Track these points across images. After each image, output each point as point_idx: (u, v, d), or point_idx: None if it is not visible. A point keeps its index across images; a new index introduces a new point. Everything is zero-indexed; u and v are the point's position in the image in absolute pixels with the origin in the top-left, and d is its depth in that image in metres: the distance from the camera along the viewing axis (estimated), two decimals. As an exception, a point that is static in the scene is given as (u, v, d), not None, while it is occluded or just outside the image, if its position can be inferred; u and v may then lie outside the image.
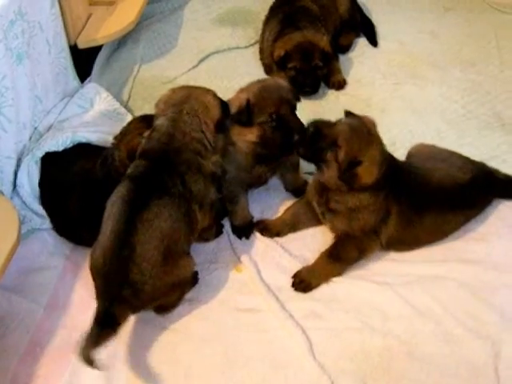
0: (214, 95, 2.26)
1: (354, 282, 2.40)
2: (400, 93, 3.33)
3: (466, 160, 2.55)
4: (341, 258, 2.38)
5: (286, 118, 2.29)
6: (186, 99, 2.20)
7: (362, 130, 2.23)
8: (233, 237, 2.59)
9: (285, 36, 3.17)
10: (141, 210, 2.00)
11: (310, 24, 3.22)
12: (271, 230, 2.57)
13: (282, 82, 2.50)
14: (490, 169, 2.61)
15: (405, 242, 2.43)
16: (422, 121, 3.14)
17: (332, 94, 3.33)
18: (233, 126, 2.34)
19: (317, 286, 2.37)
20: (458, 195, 2.41)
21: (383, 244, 2.38)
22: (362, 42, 3.72)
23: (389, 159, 2.31)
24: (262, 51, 3.50)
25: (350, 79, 3.44)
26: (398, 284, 2.36)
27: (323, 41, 3.16)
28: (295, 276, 2.40)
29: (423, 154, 2.56)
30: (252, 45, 3.70)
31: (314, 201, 2.42)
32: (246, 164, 2.43)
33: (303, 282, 2.38)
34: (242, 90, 2.41)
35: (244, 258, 2.49)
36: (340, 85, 3.30)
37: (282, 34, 3.21)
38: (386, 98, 3.29)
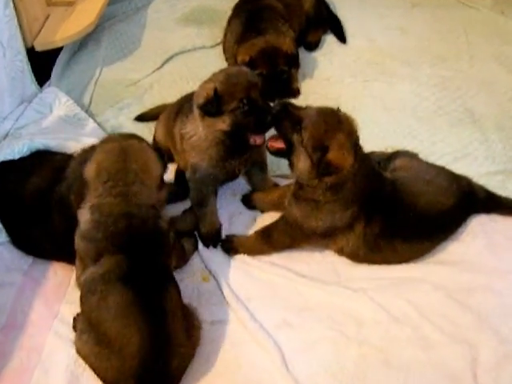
0: (149, 146, 2.08)
1: (326, 288, 2.32)
2: (370, 90, 3.30)
3: (452, 179, 2.44)
4: (271, 239, 2.36)
5: (257, 102, 2.24)
6: (125, 164, 1.94)
7: (331, 116, 2.15)
8: (200, 244, 2.50)
9: (247, 41, 3.13)
10: (158, 307, 1.90)
11: (271, 25, 3.18)
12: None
13: (244, 67, 2.49)
14: (473, 188, 2.51)
15: (364, 260, 2.36)
16: (393, 118, 3.11)
17: (301, 95, 3.27)
18: (202, 119, 2.29)
19: (242, 253, 2.41)
20: (440, 223, 2.34)
21: (335, 251, 2.36)
22: (330, 40, 3.68)
23: (364, 157, 2.22)
24: (225, 51, 3.47)
25: (318, 77, 3.40)
26: (372, 289, 2.30)
27: (286, 44, 3.11)
28: (226, 236, 2.45)
29: (410, 170, 2.44)
30: (218, 44, 3.64)
31: (291, 187, 2.36)
32: (217, 158, 2.37)
33: (231, 243, 2.43)
34: (206, 81, 2.34)
35: (211, 267, 2.41)
36: (294, 93, 3.24)
37: (244, 37, 3.17)
38: (356, 97, 3.25)
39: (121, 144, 2.00)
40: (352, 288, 2.31)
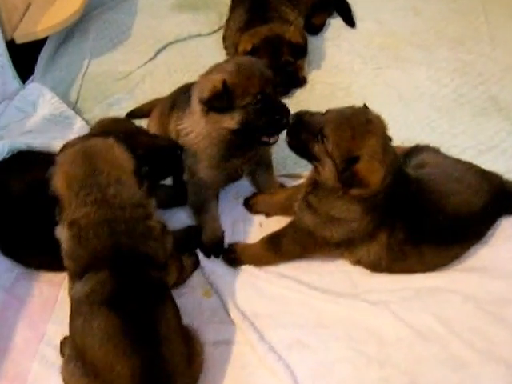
0: (115, 142, 1.86)
1: (341, 302, 2.16)
2: (383, 78, 3.13)
3: (482, 176, 2.25)
4: (280, 248, 2.19)
5: (271, 98, 2.07)
6: (93, 166, 1.76)
7: (357, 117, 1.91)
8: (201, 255, 2.34)
9: (251, 29, 3.00)
10: (152, 333, 1.72)
11: (278, 13, 3.07)
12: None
13: (254, 58, 2.30)
14: (505, 185, 2.32)
15: (386, 269, 2.18)
16: (409, 109, 2.93)
17: (308, 84, 3.12)
18: (205, 114, 2.10)
19: (244, 263, 2.24)
20: (471, 225, 2.16)
21: (352, 262, 2.19)
22: (337, 24, 3.50)
23: (398, 165, 2.00)
24: (225, 39, 3.32)
25: (325, 65, 3.23)
26: (394, 301, 2.13)
27: (290, 31, 2.97)
28: (229, 245, 2.29)
29: (436, 167, 2.25)
30: (216, 31, 3.49)
31: (303, 189, 2.18)
32: (218, 157, 2.21)
33: (234, 253, 2.26)
34: (211, 71, 2.14)
35: (213, 280, 2.25)
36: (300, 82, 3.09)
37: (249, 25, 3.04)
38: (368, 85, 3.08)
39: (82, 147, 1.83)
40: (371, 301, 2.15)
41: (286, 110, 2.08)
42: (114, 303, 1.71)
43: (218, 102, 2.05)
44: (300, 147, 2.01)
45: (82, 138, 2.01)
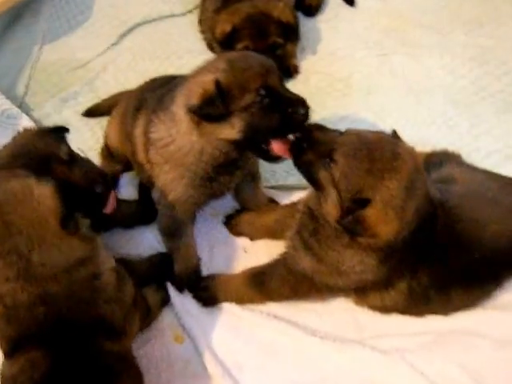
0: (36, 181, 1.51)
1: (345, 350, 1.91)
2: (389, 67, 2.87)
3: None
4: (265, 287, 1.95)
5: (279, 91, 1.78)
6: (6, 226, 1.44)
7: (379, 146, 1.57)
8: (172, 289, 2.09)
9: (230, 6, 2.73)
10: None
11: None
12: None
13: (248, 51, 2.16)
14: None
15: (402, 313, 1.92)
16: (421, 104, 2.67)
17: (300, 74, 2.84)
18: (196, 126, 1.80)
19: (223, 301, 2.01)
20: (509, 257, 1.85)
21: (360, 305, 1.92)
22: (334, 2, 3.23)
23: (427, 210, 1.64)
24: (201, 22, 3.07)
25: (321, 51, 2.97)
26: (410, 349, 1.90)
27: (278, 8, 2.71)
28: (204, 279, 2.06)
29: (463, 183, 1.90)
30: (191, 11, 3.22)
31: (297, 214, 1.89)
32: (204, 175, 1.92)
33: (208, 291, 2.01)
34: (198, 74, 1.85)
35: (187, 321, 2.01)
36: (290, 72, 2.82)
37: (227, 3, 2.77)
38: (372, 75, 2.82)
39: None
40: (382, 348, 1.91)
41: (300, 99, 1.78)
42: None
43: (212, 108, 1.74)
44: (304, 168, 1.69)
45: None
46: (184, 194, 1.97)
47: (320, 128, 1.71)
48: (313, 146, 1.66)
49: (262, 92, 1.74)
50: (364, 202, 1.51)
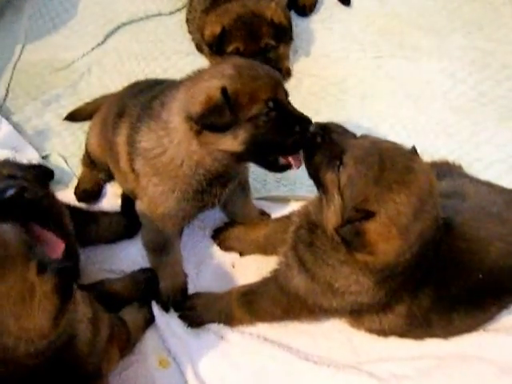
0: (36, 268, 1.30)
1: (340, 377, 1.83)
2: (385, 70, 2.80)
3: None
4: (255, 306, 1.87)
5: (287, 106, 1.73)
6: None
7: (393, 156, 1.48)
8: (156, 308, 1.99)
9: (219, 7, 2.65)
10: None
11: None
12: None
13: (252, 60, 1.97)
14: None
15: (401, 336, 1.84)
16: (419, 109, 2.60)
17: (293, 77, 2.77)
18: (196, 135, 1.69)
19: (210, 322, 1.93)
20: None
21: (355, 327, 1.84)
22: (329, 1, 3.16)
23: (433, 234, 1.54)
24: (189, 22, 3.00)
25: (315, 53, 2.89)
26: (408, 375, 1.83)
27: (270, 8, 2.63)
28: (189, 298, 1.99)
29: (466, 199, 1.82)
30: (179, 10, 3.16)
31: (291, 227, 1.81)
32: (197, 188, 1.82)
33: (194, 310, 1.93)
34: (201, 78, 1.73)
35: (172, 344, 1.93)
36: (283, 75, 2.72)
37: (216, 3, 2.69)
38: (367, 79, 2.75)
39: None
40: (378, 374, 1.83)
41: (307, 119, 1.73)
42: None
43: (218, 117, 1.64)
44: (313, 168, 1.63)
45: None
46: (174, 208, 1.87)
47: (339, 128, 1.64)
48: (325, 147, 1.59)
49: (271, 104, 1.67)
50: (367, 214, 1.42)
